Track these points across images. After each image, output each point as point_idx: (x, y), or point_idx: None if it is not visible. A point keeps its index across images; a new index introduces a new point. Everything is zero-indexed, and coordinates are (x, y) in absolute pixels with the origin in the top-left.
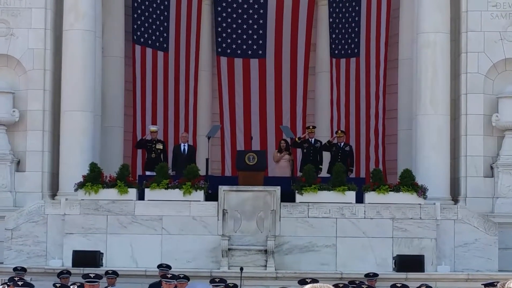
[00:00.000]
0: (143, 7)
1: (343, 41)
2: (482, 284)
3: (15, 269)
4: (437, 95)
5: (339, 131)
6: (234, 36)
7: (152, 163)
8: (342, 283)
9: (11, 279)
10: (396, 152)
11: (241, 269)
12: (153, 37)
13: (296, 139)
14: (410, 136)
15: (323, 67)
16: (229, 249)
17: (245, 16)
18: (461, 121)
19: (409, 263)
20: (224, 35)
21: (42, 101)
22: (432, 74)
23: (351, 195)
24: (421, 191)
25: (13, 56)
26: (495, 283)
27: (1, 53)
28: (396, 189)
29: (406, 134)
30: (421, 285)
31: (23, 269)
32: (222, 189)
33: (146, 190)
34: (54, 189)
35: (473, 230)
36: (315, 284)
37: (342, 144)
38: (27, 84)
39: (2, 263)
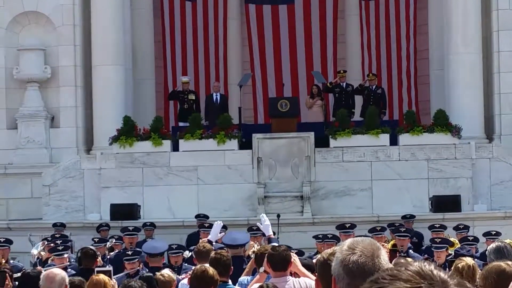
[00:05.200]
0: None
1: None
2: None
3: (54, 225)
4: (468, 33)
5: (371, 74)
6: None
7: (185, 114)
8: (380, 226)
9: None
10: (428, 92)
11: (278, 216)
12: None
13: (328, 84)
14: (442, 76)
15: (353, 10)
16: (265, 197)
17: None
18: (493, 59)
19: (446, 203)
20: None
21: (73, 57)
22: (462, 12)
23: (385, 138)
24: (455, 130)
25: (42, 13)
26: None
27: (30, 10)
28: (430, 130)
29: (438, 74)
30: (459, 224)
31: (62, 225)
32: (255, 137)
33: (180, 141)
34: (88, 144)
35: (509, 168)
36: (356, 238)
37: (374, 87)
38: (58, 40)
39: (41, 219)
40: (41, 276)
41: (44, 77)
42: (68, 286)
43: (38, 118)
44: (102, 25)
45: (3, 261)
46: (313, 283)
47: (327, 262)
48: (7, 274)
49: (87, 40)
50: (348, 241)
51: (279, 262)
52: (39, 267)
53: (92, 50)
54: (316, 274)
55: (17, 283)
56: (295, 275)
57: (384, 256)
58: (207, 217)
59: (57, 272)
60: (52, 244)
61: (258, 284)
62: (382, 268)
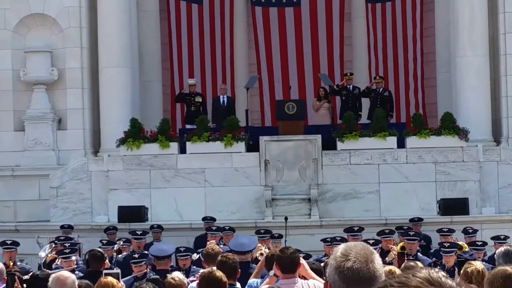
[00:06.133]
0: None
1: None
2: None
3: (62, 227)
4: (475, 36)
5: (377, 77)
6: None
7: (192, 116)
8: (388, 229)
9: (57, 239)
10: (435, 95)
11: (286, 218)
12: None
13: (335, 86)
14: (449, 78)
15: (359, 13)
16: (272, 199)
17: None
18: (500, 61)
19: (453, 206)
20: None
21: (80, 59)
22: (469, 15)
23: (392, 141)
24: (462, 133)
25: (49, 15)
26: None
27: (37, 12)
28: (437, 132)
29: (445, 77)
30: (467, 228)
31: (70, 227)
32: (263, 139)
33: (188, 144)
34: (96, 146)
35: None
36: (348, 244)
37: (381, 89)
38: (64, 42)
39: (49, 221)
40: (51, 279)
41: (51, 79)
42: None
43: (45, 120)
44: (108, 27)
45: (11, 264)
46: (321, 285)
47: None
48: (16, 277)
49: (93, 42)
50: (341, 247)
51: (287, 264)
52: (47, 270)
53: (99, 52)
54: (325, 278)
55: (25, 285)
56: (304, 278)
57: (378, 260)
58: (214, 219)
59: (67, 275)
60: (59, 247)
61: (267, 286)
62: (377, 273)
